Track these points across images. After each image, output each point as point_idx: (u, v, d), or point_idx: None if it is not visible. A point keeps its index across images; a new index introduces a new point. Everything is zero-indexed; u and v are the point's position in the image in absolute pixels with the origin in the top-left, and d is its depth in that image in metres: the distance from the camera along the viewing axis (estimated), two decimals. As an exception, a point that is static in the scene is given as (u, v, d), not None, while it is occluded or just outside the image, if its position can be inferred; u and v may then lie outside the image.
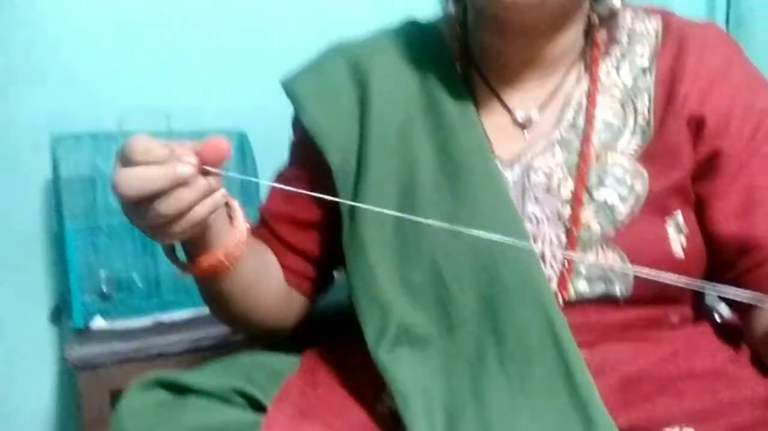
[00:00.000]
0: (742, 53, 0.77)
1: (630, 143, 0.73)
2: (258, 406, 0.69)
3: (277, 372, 0.76)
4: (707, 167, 0.73)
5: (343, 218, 0.77)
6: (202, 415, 0.66)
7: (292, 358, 0.82)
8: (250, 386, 0.70)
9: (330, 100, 0.79)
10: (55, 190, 1.39)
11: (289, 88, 0.83)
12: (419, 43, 0.82)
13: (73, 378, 1.33)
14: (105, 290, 1.34)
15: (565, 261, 0.70)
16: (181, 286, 1.44)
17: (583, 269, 0.70)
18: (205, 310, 1.37)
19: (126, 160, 0.58)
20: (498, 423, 0.64)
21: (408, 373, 0.68)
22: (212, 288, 0.78)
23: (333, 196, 0.75)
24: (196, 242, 0.70)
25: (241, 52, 1.61)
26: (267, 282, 0.82)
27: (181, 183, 0.58)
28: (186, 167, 0.58)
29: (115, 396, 1.34)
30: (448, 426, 0.65)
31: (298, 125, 0.84)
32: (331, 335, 0.87)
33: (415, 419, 0.65)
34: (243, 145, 1.51)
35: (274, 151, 1.63)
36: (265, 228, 0.87)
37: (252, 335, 0.92)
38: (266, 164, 1.56)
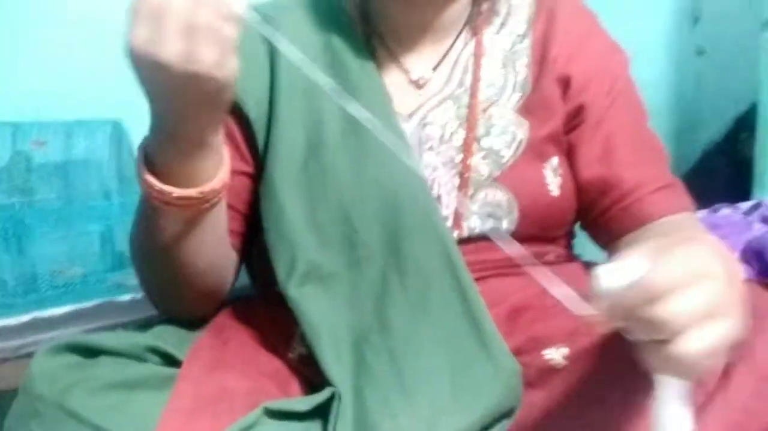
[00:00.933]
0: (598, 21, 0.89)
1: (511, 97, 0.83)
2: (172, 362, 0.71)
3: (187, 334, 0.77)
4: (574, 120, 0.84)
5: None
6: (118, 371, 0.66)
7: (200, 325, 0.83)
8: (163, 343, 0.71)
9: (242, 55, 0.81)
10: None
11: None
12: (321, 6, 0.88)
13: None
14: (-23, 287, 1.27)
15: (458, 201, 0.78)
16: (59, 282, 1.40)
17: (475, 208, 0.78)
18: (85, 304, 1.37)
19: None
20: (401, 346, 0.70)
21: (316, 308, 0.73)
22: (172, 229, 0.73)
23: (253, 145, 0.77)
24: (188, 164, 0.67)
25: (111, 38, 1.57)
26: (220, 234, 0.80)
27: None
28: None
29: (-6, 398, 1.28)
30: (354, 355, 0.70)
31: None
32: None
33: (325, 352, 0.70)
34: (119, 133, 1.48)
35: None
36: None
37: (184, 303, 0.85)
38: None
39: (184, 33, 0.57)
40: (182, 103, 0.63)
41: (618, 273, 0.50)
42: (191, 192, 0.67)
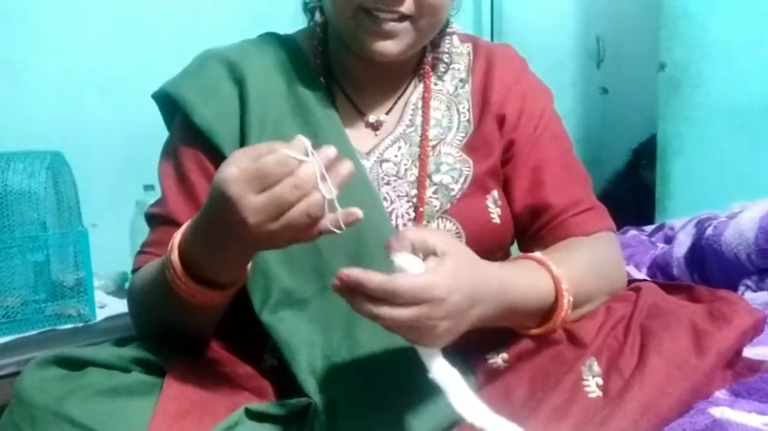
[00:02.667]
0: (527, 66, 0.99)
1: (456, 136, 0.93)
2: (155, 371, 0.75)
3: (166, 346, 0.81)
4: (506, 154, 0.94)
5: None
6: (107, 380, 0.71)
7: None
8: (145, 354, 0.76)
9: (214, 99, 0.88)
10: None
11: (175, 92, 0.90)
12: (282, 52, 0.94)
13: None
14: None
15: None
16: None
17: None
18: (27, 333, 1.36)
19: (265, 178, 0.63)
20: (369, 363, 0.78)
21: (289, 329, 0.79)
22: (197, 314, 0.79)
23: None
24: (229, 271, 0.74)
25: (54, 71, 1.59)
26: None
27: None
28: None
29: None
30: (326, 371, 0.77)
31: (185, 125, 0.90)
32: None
33: (299, 369, 0.78)
34: (58, 164, 1.49)
35: (91, 167, 1.63)
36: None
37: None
38: (82, 180, 1.55)
39: (284, 221, 0.64)
40: (243, 249, 0.71)
41: (409, 261, 0.66)
42: (217, 295, 0.75)
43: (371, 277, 0.63)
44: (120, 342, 0.85)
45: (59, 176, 1.50)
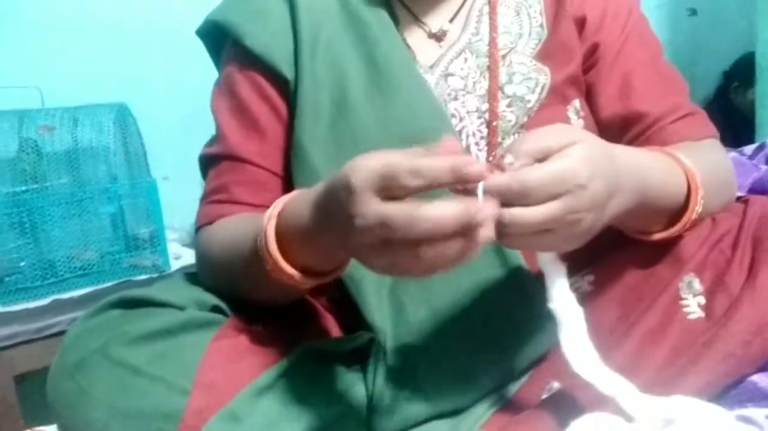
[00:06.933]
0: None
1: (528, 43, 0.83)
2: (215, 310, 0.72)
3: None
4: (590, 59, 0.84)
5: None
6: (162, 319, 0.66)
7: None
8: (209, 296, 0.72)
9: (264, 19, 0.82)
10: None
11: (222, 19, 0.84)
12: None
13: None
14: (-5, 273, 1.28)
15: (488, 150, 0.79)
16: (76, 265, 1.41)
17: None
18: (103, 285, 1.38)
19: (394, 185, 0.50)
20: (438, 295, 0.71)
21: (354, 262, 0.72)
22: (292, 294, 0.72)
23: (287, 109, 0.79)
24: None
25: (114, 24, 1.58)
26: None
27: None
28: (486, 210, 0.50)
29: (20, 381, 1.29)
30: (393, 303, 0.72)
31: (236, 53, 0.84)
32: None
33: (366, 300, 0.72)
34: (125, 116, 1.48)
35: (155, 119, 1.63)
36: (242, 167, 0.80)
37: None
38: (150, 133, 1.55)
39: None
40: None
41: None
42: (312, 282, 0.64)
43: (494, 179, 0.51)
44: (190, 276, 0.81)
45: (126, 129, 1.49)
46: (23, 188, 1.38)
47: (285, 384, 0.65)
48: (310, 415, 0.64)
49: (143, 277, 1.43)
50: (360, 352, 0.71)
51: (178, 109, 1.72)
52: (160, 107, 1.58)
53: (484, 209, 0.50)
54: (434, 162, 0.50)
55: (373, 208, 0.50)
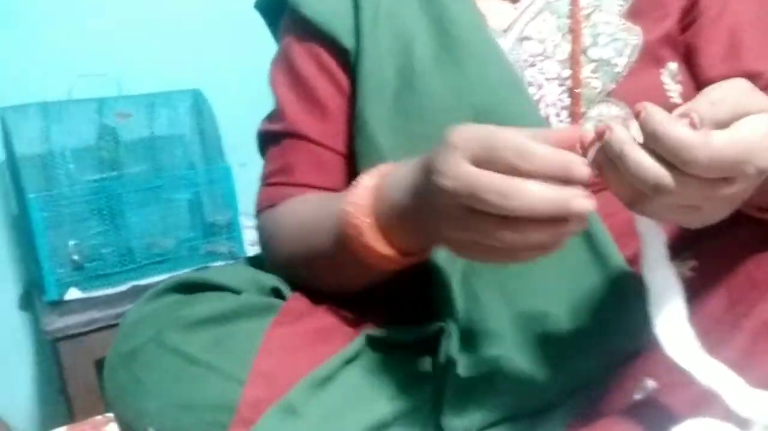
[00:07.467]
0: None
1: (614, 1, 0.74)
2: (273, 295, 0.68)
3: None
4: (689, 15, 0.74)
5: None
6: (219, 303, 0.63)
7: None
8: (270, 279, 0.69)
9: None
10: (11, 165, 1.34)
11: None
12: None
13: (54, 354, 1.28)
14: (76, 259, 1.30)
15: (570, 120, 0.71)
16: (154, 252, 1.42)
17: (589, 127, 0.70)
18: (181, 272, 1.38)
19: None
20: (514, 282, 0.64)
21: None
22: (377, 278, 0.66)
23: (349, 82, 0.74)
24: None
25: (188, 9, 1.58)
26: None
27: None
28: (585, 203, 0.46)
29: (99, 367, 1.31)
30: (464, 289, 0.65)
31: (294, 23, 0.79)
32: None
33: (435, 285, 0.66)
34: (200, 103, 1.48)
35: (231, 106, 1.62)
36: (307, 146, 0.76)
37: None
38: (225, 119, 1.54)
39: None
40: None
41: None
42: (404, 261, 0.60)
43: (678, 131, 0.45)
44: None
45: (201, 115, 1.49)
46: (103, 175, 1.40)
47: (347, 375, 0.60)
48: (373, 409, 0.59)
49: (219, 263, 1.42)
50: (429, 343, 0.66)
51: (254, 96, 1.71)
52: (236, 94, 1.57)
53: (585, 204, 0.46)
54: (548, 151, 0.46)
55: (464, 169, 0.47)
